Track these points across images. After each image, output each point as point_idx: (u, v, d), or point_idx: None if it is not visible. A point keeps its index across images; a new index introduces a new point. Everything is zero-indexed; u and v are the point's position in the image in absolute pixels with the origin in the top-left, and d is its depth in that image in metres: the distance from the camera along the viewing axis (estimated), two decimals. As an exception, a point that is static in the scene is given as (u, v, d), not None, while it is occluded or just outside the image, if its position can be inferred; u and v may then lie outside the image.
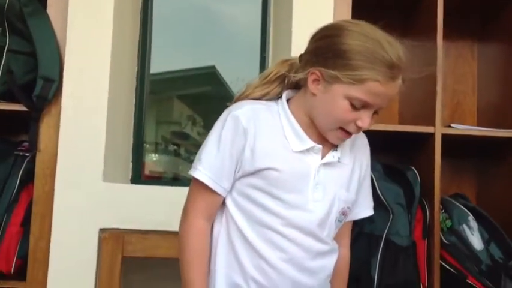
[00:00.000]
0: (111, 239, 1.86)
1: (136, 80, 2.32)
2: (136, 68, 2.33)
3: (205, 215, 1.25)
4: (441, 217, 1.98)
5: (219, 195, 1.24)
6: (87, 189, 1.92)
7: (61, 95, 1.94)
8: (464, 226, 1.97)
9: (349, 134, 1.21)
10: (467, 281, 1.92)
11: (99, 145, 1.94)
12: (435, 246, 1.92)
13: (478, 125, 2.32)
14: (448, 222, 1.98)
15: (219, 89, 2.56)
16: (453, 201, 2.05)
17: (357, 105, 1.16)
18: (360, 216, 1.38)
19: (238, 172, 1.23)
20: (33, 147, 1.94)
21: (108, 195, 1.93)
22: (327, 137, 1.23)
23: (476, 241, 1.95)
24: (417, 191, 1.97)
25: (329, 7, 2.04)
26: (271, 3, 2.40)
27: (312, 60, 1.20)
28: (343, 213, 1.29)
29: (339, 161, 1.27)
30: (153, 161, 2.53)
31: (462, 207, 2.02)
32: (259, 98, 1.28)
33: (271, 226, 1.22)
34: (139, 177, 2.28)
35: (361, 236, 1.94)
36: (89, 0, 1.98)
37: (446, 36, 2.10)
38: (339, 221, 1.29)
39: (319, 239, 1.26)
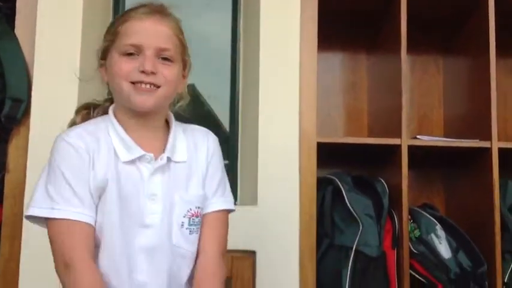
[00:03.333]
0: (82, 258, 1.85)
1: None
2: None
3: (90, 253, 1.15)
4: (410, 227, 2.01)
5: (91, 225, 1.16)
6: (56, 208, 1.91)
7: (30, 116, 1.94)
8: (432, 235, 2.00)
9: (143, 84, 1.18)
10: (437, 289, 1.95)
11: (68, 164, 1.93)
12: (404, 256, 1.95)
13: (445, 136, 2.37)
14: (417, 232, 2.01)
15: (197, 106, 2.58)
16: (421, 211, 2.08)
17: (131, 52, 1.18)
18: (214, 209, 1.28)
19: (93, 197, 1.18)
20: (2, 169, 1.93)
21: (78, 214, 1.93)
22: (130, 100, 1.18)
23: (444, 250, 1.98)
24: (386, 202, 2.00)
25: (295, 22, 2.07)
26: (241, 21, 2.44)
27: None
28: (195, 215, 1.24)
29: (169, 161, 1.23)
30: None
31: (430, 216, 2.05)
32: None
33: (118, 252, 1.18)
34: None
35: (331, 247, 1.97)
36: (56, 20, 2.00)
37: (411, 50, 2.16)
38: (191, 225, 1.23)
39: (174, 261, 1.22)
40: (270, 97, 2.05)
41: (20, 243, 1.88)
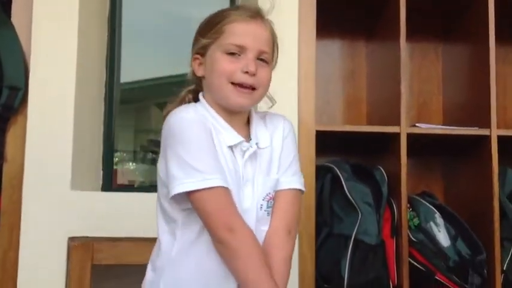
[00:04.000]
0: (80, 248, 1.85)
1: (105, 88, 2.31)
2: (105, 76, 2.32)
3: (241, 215, 1.20)
4: (408, 215, 2.01)
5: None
6: (54, 198, 1.90)
7: (27, 105, 1.93)
8: (431, 223, 2.00)
9: (243, 87, 1.24)
10: (436, 277, 1.96)
11: (66, 154, 1.92)
12: (403, 244, 1.95)
13: (444, 124, 2.36)
14: (416, 220, 2.01)
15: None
16: (420, 199, 2.08)
17: (234, 51, 1.24)
18: (283, 187, 1.31)
19: None
20: (0, 158, 1.93)
21: (77, 204, 1.92)
22: (229, 100, 1.25)
23: (443, 238, 1.98)
24: (385, 190, 2.00)
25: (294, 11, 2.06)
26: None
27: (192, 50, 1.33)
28: (272, 198, 1.29)
29: (257, 147, 1.28)
30: (131, 169, 2.52)
31: (429, 205, 2.05)
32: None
33: None
34: (109, 185, 2.27)
35: (330, 236, 1.97)
36: (53, 8, 1.98)
37: (410, 38, 2.15)
38: (269, 207, 1.28)
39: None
40: (269, 85, 2.04)
41: (18, 233, 1.88)
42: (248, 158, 1.27)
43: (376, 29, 2.35)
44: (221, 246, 1.18)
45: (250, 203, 1.25)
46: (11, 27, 1.95)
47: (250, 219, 1.24)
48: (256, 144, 1.28)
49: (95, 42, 2.21)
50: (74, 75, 1.97)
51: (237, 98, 1.24)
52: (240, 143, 1.26)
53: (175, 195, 1.19)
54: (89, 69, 2.13)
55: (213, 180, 1.17)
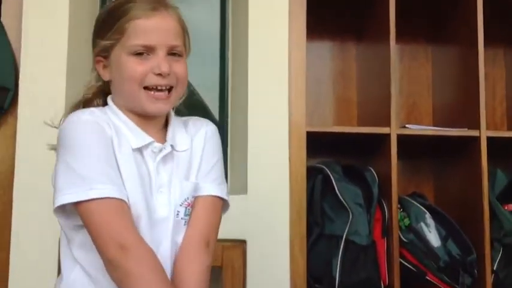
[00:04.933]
0: (72, 248, 1.84)
1: (96, 88, 2.30)
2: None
3: (137, 231, 1.08)
4: (399, 216, 2.02)
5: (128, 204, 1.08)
6: (45, 197, 1.87)
7: (17, 105, 1.92)
8: (422, 224, 2.01)
9: (156, 90, 1.13)
10: (427, 277, 1.97)
11: (57, 154, 1.91)
12: (394, 245, 1.96)
13: (434, 125, 2.37)
14: (406, 221, 2.02)
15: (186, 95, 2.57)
16: (410, 199, 2.09)
17: (141, 52, 1.12)
18: (202, 193, 1.20)
19: None
20: (-11, 159, 1.91)
21: (68, 204, 1.91)
22: (144, 108, 1.14)
23: (433, 238, 1.99)
24: (375, 191, 2.00)
25: (284, 10, 2.06)
26: (230, 10, 2.42)
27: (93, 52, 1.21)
28: (189, 205, 1.18)
29: (173, 150, 1.18)
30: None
31: (419, 205, 2.06)
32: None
33: None
34: (100, 185, 2.26)
35: (321, 237, 1.98)
36: (43, 7, 1.97)
37: (400, 39, 2.16)
38: (186, 215, 1.17)
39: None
40: (260, 86, 2.05)
41: (9, 233, 1.87)
42: (161, 161, 1.15)
43: (366, 30, 2.36)
44: (111, 267, 1.04)
45: (168, 211, 1.14)
46: (1, 27, 1.94)
47: (166, 230, 1.14)
48: (171, 146, 1.18)
49: (85, 40, 2.19)
50: (65, 74, 1.96)
51: (153, 105, 1.14)
52: (149, 144, 1.15)
53: (60, 208, 1.10)
54: (80, 68, 2.12)
55: (102, 190, 1.04)
